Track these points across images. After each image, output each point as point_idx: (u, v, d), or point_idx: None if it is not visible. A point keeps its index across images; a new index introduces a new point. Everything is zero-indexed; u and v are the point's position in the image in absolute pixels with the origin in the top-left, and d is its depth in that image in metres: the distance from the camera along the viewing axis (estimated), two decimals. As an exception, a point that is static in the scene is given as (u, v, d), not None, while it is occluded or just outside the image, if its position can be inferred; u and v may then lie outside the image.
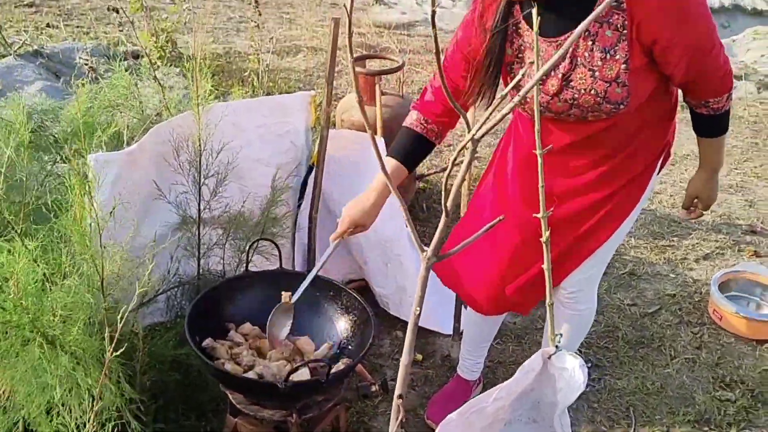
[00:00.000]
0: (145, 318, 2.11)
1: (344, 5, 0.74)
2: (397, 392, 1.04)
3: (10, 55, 4.27)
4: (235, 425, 1.72)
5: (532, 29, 1.49)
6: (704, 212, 1.82)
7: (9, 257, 1.32)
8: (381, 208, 1.76)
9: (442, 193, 0.93)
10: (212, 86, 4.31)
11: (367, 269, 2.56)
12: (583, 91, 1.50)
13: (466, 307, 2.36)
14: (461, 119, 1.52)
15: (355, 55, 3.17)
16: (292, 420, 1.58)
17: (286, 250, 2.51)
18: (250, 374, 1.59)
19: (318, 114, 2.46)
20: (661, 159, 1.73)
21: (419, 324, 2.46)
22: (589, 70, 1.48)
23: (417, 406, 2.23)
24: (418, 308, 1.01)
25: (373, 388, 1.78)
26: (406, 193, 3.12)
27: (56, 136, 2.38)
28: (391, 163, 1.71)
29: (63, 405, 1.30)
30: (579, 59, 1.49)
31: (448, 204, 0.95)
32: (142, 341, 1.79)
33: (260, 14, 5.27)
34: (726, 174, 3.93)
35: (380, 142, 2.54)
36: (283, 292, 1.75)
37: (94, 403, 1.33)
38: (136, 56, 4.47)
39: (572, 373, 1.48)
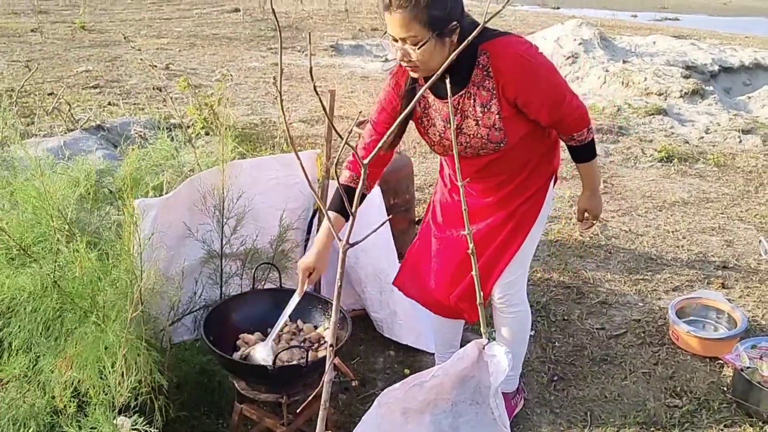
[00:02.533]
0: (175, 336, 2.59)
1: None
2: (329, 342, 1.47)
3: (77, 129, 4.99)
4: (240, 410, 2.15)
5: (432, 94, 2.04)
6: (595, 223, 2.27)
7: (74, 254, 1.83)
8: (328, 252, 2.19)
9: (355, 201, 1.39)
10: (246, 150, 4.93)
11: (364, 297, 3.00)
12: (472, 136, 2.01)
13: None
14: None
15: (359, 121, 3.71)
16: (282, 400, 2.01)
17: (296, 279, 2.98)
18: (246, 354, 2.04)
19: (321, 168, 2.97)
20: (552, 180, 2.23)
21: (408, 343, 2.87)
22: (474, 120, 1.99)
23: (402, 411, 2.62)
24: (339, 282, 1.45)
25: (354, 383, 2.19)
26: (406, 235, 3.58)
27: (111, 189, 2.96)
28: (331, 214, 2.19)
29: (111, 369, 1.77)
30: (466, 113, 1.99)
31: (353, 208, 1.40)
32: (173, 347, 2.27)
33: (279, 90, 5.94)
34: (711, 218, 4.26)
35: (376, 190, 3.02)
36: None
37: (131, 374, 1.80)
38: (184, 126, 5.14)
39: (500, 359, 1.88)
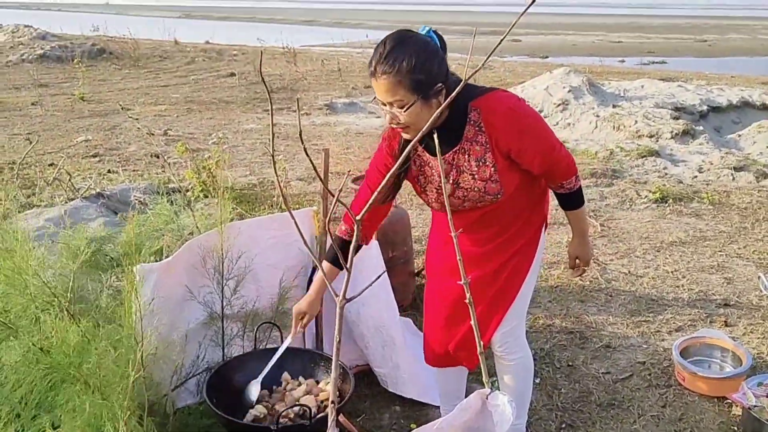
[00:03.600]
0: (178, 400, 2.58)
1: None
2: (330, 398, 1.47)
3: (77, 198, 5.06)
4: (246, 474, 2.13)
5: (428, 153, 2.10)
6: (586, 268, 2.29)
7: (58, 323, 1.85)
8: (320, 298, 2.29)
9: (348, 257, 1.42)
10: (244, 211, 5.00)
11: (368, 353, 2.99)
12: (469, 189, 2.07)
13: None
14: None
15: (354, 177, 3.77)
16: (288, 461, 1.99)
17: (297, 339, 2.98)
18: (249, 416, 2.03)
19: (319, 225, 3.00)
20: (544, 227, 2.27)
21: (413, 397, 2.86)
22: (470, 174, 2.04)
23: None
24: (338, 336, 1.47)
25: (359, 440, 2.17)
26: (406, 287, 3.59)
27: (112, 256, 2.99)
28: (325, 265, 2.25)
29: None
30: (462, 167, 2.05)
31: (349, 264, 1.43)
32: (176, 414, 2.26)
33: (272, 152, 6.06)
34: (709, 257, 4.28)
35: (374, 244, 3.05)
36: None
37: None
38: (183, 191, 5.21)
39: (503, 408, 1.88)
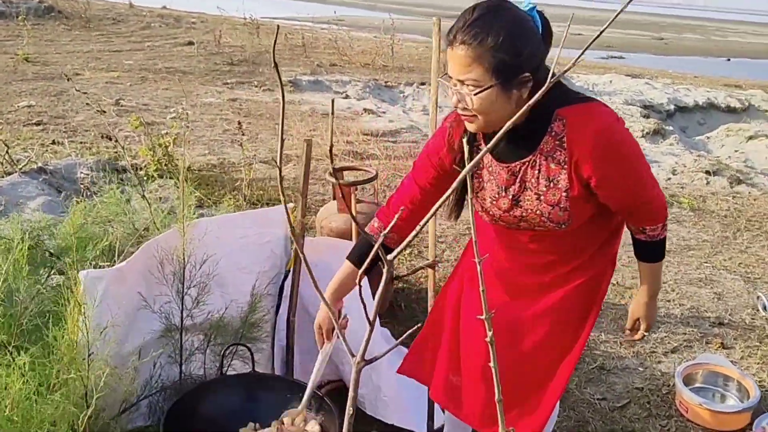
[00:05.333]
0: (129, 423, 2.22)
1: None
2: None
3: (16, 172, 4.55)
4: None
5: (490, 154, 1.73)
6: (646, 333, 1.93)
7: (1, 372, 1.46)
8: (338, 308, 1.92)
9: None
10: (204, 195, 4.57)
11: (343, 369, 2.68)
12: (530, 211, 1.70)
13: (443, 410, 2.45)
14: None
15: (333, 166, 3.42)
16: None
17: (266, 354, 2.64)
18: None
19: (295, 224, 2.65)
20: (610, 270, 1.88)
21: (394, 423, 2.55)
22: (536, 194, 1.68)
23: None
24: (351, 408, 1.15)
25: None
26: (384, 294, 3.28)
27: (52, 251, 2.57)
28: (346, 265, 1.89)
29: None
30: (527, 184, 1.68)
31: (371, 314, 1.11)
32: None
33: (243, 134, 5.68)
34: (696, 268, 4.10)
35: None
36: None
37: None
38: (136, 169, 4.76)
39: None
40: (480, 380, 1.90)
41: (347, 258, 1.92)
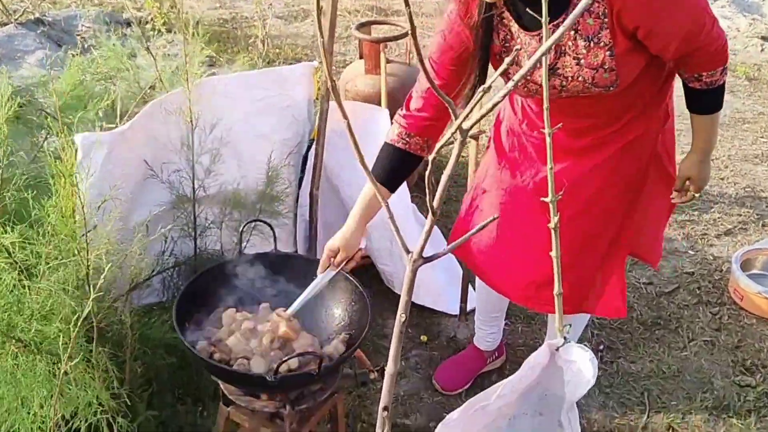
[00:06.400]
0: (141, 299, 2.05)
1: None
2: (382, 404, 0.95)
3: (12, 23, 4.18)
4: (228, 414, 1.65)
5: (515, 20, 1.47)
6: (696, 195, 1.73)
7: None
8: (362, 233, 1.67)
9: (426, 190, 0.83)
10: (216, 53, 4.17)
11: (371, 246, 2.47)
12: (570, 78, 1.48)
13: (473, 287, 2.28)
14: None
15: (360, 21, 3.03)
16: (285, 412, 1.52)
17: (288, 230, 2.43)
18: (240, 364, 1.51)
19: (320, 85, 2.34)
20: (666, 121, 1.68)
21: (426, 304, 2.38)
22: (574, 58, 1.45)
23: (421, 389, 2.16)
24: (404, 315, 0.92)
25: (372, 376, 1.71)
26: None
27: (48, 111, 2.30)
28: (370, 187, 1.61)
29: (42, 407, 1.23)
30: (563, 48, 1.44)
31: (435, 202, 0.85)
32: (134, 327, 1.73)
33: None
34: (752, 143, 3.76)
35: (383, 114, 2.42)
36: (276, 313, 1.65)
37: (75, 403, 1.26)
38: (141, 22, 4.36)
39: (581, 367, 1.40)
40: (524, 253, 1.75)
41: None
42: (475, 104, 0.77)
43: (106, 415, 1.40)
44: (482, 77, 1.55)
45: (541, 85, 1.51)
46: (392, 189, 1.66)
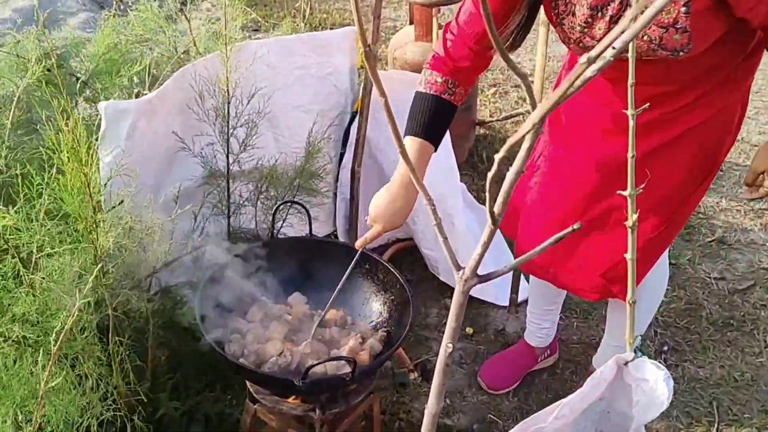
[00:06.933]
0: (170, 277, 1.93)
1: None
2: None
3: (55, -17, 4.09)
4: (255, 412, 1.53)
5: None
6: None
7: None
8: (414, 203, 1.49)
9: (486, 193, 0.65)
10: (261, 18, 4.01)
11: (415, 229, 2.30)
12: (636, 37, 1.21)
13: (526, 277, 2.10)
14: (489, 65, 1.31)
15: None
16: (315, 416, 1.38)
17: (327, 208, 2.28)
18: (269, 364, 1.38)
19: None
20: (740, 110, 1.47)
21: (472, 294, 2.20)
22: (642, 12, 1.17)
23: (464, 386, 2.00)
24: (450, 344, 0.74)
25: (412, 376, 1.55)
26: (465, 140, 2.81)
27: (78, 75, 2.18)
28: (412, 143, 1.42)
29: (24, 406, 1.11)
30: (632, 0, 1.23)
31: (496, 208, 0.66)
32: (157, 313, 1.62)
33: None
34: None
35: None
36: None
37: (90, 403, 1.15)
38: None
39: (654, 386, 1.21)
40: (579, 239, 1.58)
41: (408, 133, 1.45)
42: (571, 85, 0.58)
43: (118, 412, 1.28)
44: (529, 21, 1.35)
45: (597, 44, 1.30)
46: (436, 144, 1.48)
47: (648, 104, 1.15)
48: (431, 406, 0.76)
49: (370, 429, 1.63)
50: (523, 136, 0.53)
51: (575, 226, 0.78)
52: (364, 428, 1.71)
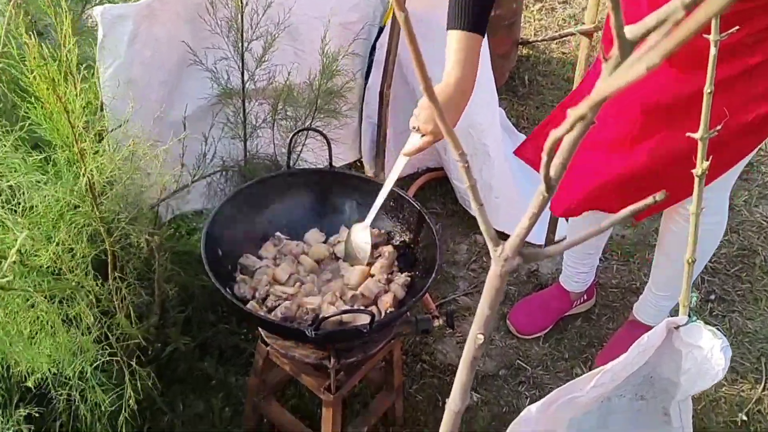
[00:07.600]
0: (182, 205, 1.81)
1: None
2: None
3: None
4: (267, 354, 1.42)
5: None
6: None
7: None
8: (460, 108, 1.30)
9: (543, 155, 0.48)
10: None
11: (447, 158, 2.13)
12: None
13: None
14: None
15: None
16: (329, 364, 1.27)
17: (352, 130, 2.10)
18: (281, 309, 1.25)
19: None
20: None
21: (505, 231, 2.04)
22: None
23: (492, 330, 1.88)
24: (482, 335, 0.59)
25: (436, 323, 1.42)
26: (506, 61, 2.58)
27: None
28: (458, 37, 1.21)
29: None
30: None
31: (552, 171, 0.49)
32: (165, 245, 1.50)
33: None
34: None
35: None
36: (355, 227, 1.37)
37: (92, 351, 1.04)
38: None
39: (708, 355, 1.08)
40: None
41: (452, 27, 1.24)
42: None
43: (114, 356, 1.17)
44: None
45: None
46: (483, 33, 1.27)
47: (737, 27, 0.94)
48: (454, 403, 0.63)
49: (391, 371, 1.53)
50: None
51: (657, 197, 0.60)
52: (383, 371, 1.61)
